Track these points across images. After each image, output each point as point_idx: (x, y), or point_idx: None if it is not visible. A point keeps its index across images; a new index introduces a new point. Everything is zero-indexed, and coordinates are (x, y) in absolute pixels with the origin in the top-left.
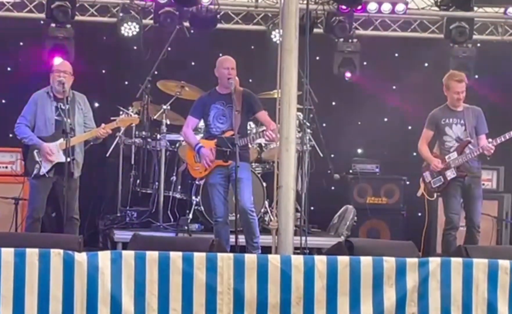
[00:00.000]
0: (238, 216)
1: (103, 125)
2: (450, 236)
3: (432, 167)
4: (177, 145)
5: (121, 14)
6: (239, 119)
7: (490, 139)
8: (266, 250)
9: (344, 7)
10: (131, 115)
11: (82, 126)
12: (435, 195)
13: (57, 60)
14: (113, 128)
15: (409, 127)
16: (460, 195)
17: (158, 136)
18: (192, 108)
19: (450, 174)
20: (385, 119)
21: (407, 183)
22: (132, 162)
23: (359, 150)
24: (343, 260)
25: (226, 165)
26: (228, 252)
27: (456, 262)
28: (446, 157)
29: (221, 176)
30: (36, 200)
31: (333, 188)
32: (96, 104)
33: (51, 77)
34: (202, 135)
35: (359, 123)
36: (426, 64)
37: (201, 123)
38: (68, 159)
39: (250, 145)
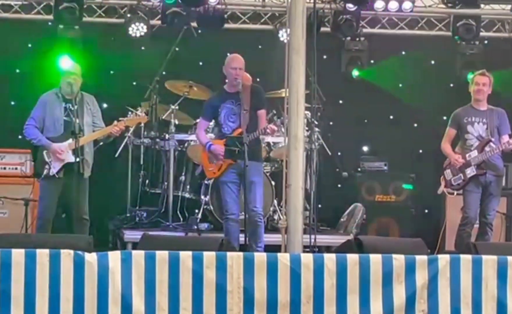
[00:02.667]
0: (247, 216)
1: (115, 122)
2: (465, 232)
3: (452, 162)
4: (186, 145)
5: (128, 15)
6: (248, 118)
7: None
8: (276, 248)
9: (351, 5)
10: (139, 115)
11: (91, 126)
12: (455, 192)
13: (66, 62)
14: (123, 127)
15: (415, 125)
16: (480, 192)
17: (167, 136)
18: (202, 110)
19: (470, 172)
20: (392, 117)
21: (416, 180)
22: (141, 162)
23: (366, 148)
24: (352, 258)
25: (235, 164)
26: (237, 251)
27: (465, 259)
28: (467, 155)
29: (234, 174)
30: (46, 200)
31: (341, 186)
32: (105, 105)
33: (61, 78)
34: (213, 135)
35: (366, 121)
36: (433, 62)
37: (211, 123)
38: (78, 159)
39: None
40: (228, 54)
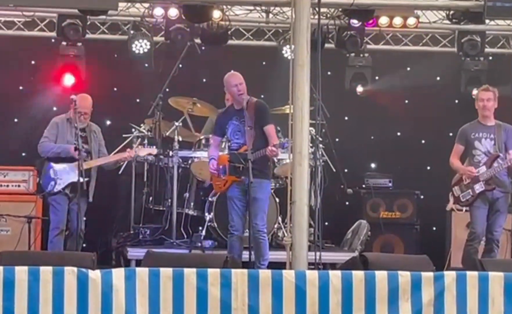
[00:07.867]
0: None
1: (128, 150)
2: (472, 248)
3: (465, 175)
4: (189, 161)
5: (132, 32)
6: (253, 135)
7: None
8: (280, 265)
9: (355, 21)
10: (145, 136)
11: (97, 153)
12: (464, 209)
13: (79, 97)
14: (133, 155)
15: (422, 141)
16: (487, 208)
17: (170, 153)
18: (213, 127)
19: (479, 187)
20: (398, 134)
21: (421, 197)
22: (145, 179)
23: (372, 165)
24: (358, 275)
25: (239, 180)
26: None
27: (472, 276)
28: (476, 170)
29: (239, 190)
30: (58, 212)
31: (346, 202)
32: (108, 122)
33: (72, 111)
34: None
35: (372, 137)
36: (438, 78)
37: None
38: (81, 180)
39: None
40: (232, 70)
